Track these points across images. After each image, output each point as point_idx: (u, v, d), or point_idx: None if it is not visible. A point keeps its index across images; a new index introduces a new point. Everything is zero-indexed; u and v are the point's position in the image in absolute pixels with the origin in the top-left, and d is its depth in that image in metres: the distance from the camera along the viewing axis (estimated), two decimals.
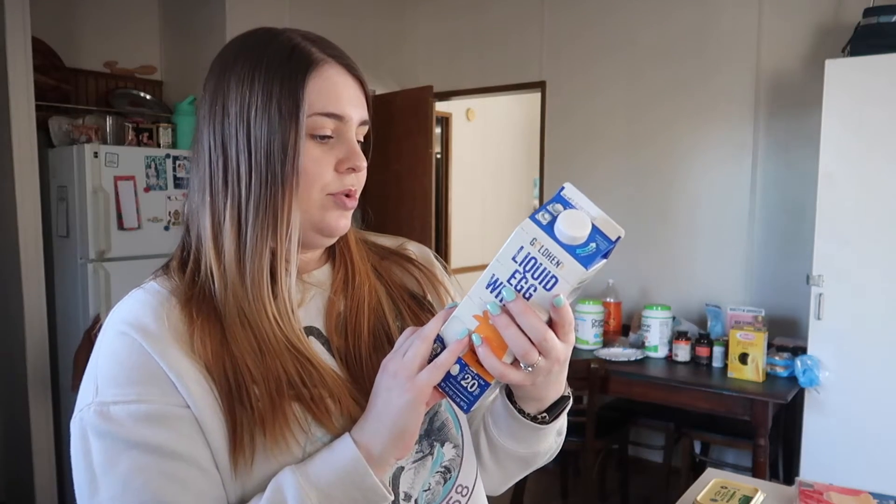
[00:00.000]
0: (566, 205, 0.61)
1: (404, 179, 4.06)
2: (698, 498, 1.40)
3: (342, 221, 0.74)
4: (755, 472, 2.67)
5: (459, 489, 0.77)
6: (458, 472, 0.78)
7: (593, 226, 0.60)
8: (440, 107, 4.69)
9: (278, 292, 0.70)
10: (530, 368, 0.62)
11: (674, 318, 3.16)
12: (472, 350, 0.63)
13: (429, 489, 0.75)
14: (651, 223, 3.62)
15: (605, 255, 0.61)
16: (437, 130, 4.96)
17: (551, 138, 3.96)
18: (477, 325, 0.63)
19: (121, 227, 2.95)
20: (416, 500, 0.73)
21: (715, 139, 3.46)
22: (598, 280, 3.31)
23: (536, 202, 5.41)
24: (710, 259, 3.49)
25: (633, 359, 2.99)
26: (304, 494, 0.62)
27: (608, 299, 3.39)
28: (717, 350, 2.91)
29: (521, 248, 0.60)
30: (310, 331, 0.74)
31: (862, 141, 2.57)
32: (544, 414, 0.75)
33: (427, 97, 4.00)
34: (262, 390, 0.66)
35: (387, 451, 0.65)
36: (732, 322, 2.96)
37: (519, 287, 0.61)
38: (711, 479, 1.48)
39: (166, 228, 3.09)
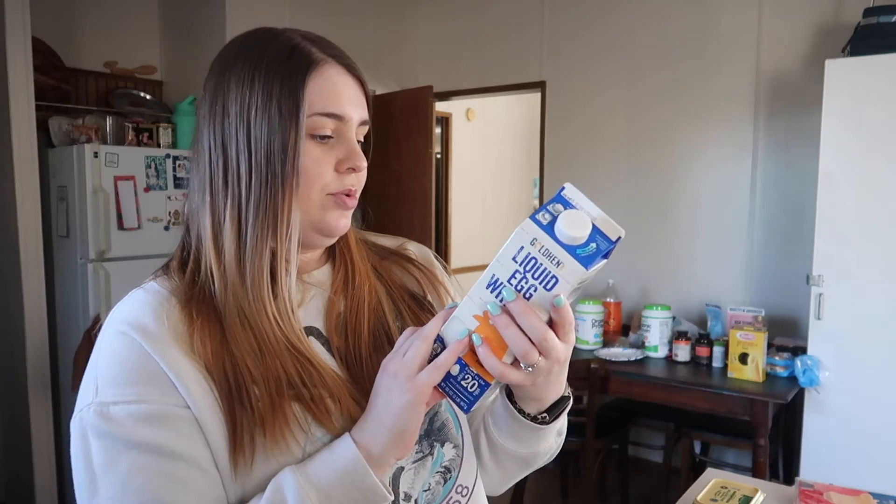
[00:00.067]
0: (566, 205, 0.61)
1: (404, 179, 4.06)
2: (698, 498, 1.40)
3: (342, 221, 0.74)
4: (755, 472, 2.67)
5: (459, 489, 0.77)
6: (458, 472, 0.78)
7: (594, 226, 0.60)
8: (440, 107, 4.69)
9: (278, 292, 0.70)
10: (530, 368, 0.62)
11: (674, 318, 3.16)
12: (472, 350, 0.63)
13: (429, 489, 0.75)
14: (651, 223, 3.62)
15: (606, 256, 0.61)
16: (437, 130, 4.96)
17: (551, 138, 3.96)
18: (477, 325, 0.63)
19: (121, 227, 2.95)
20: (416, 500, 0.73)
21: (715, 139, 3.46)
22: (598, 280, 3.31)
23: (536, 202, 5.41)
24: (710, 259, 3.49)
25: (633, 359, 2.99)
26: (304, 494, 0.62)
27: (608, 299, 3.39)
28: (717, 350, 2.91)
29: (522, 248, 0.60)
30: (310, 331, 0.74)
31: (862, 141, 2.57)
32: (544, 414, 0.75)
33: (427, 97, 4.00)
34: (261, 390, 0.66)
35: (387, 452, 0.65)
36: (732, 322, 2.96)
37: (519, 287, 0.61)
38: (711, 479, 1.48)
39: (166, 228, 3.09)
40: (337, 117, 0.70)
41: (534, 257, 0.60)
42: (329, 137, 0.71)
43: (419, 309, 0.82)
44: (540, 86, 3.97)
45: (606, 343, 3.24)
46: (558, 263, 0.59)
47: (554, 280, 0.60)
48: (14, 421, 3.02)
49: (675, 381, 2.81)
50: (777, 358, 2.79)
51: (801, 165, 3.14)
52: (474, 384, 0.64)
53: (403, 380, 0.63)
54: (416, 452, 0.74)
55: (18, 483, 3.05)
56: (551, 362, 0.63)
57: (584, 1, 3.80)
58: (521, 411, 0.74)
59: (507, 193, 5.93)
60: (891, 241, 2.54)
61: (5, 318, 2.99)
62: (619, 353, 3.06)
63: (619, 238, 0.61)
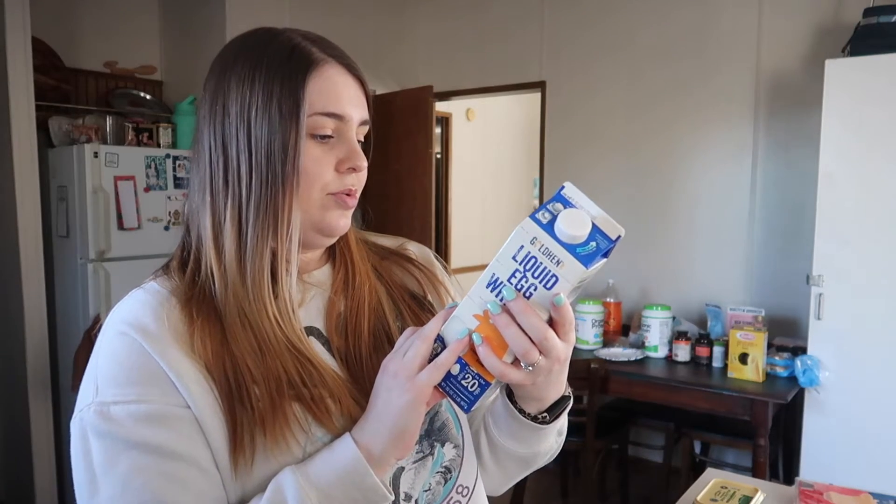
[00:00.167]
0: (566, 204, 0.61)
1: (404, 179, 4.06)
2: (698, 498, 1.40)
3: (342, 221, 0.74)
4: (755, 472, 2.67)
5: (460, 489, 0.77)
6: (459, 472, 0.78)
7: (593, 225, 0.60)
8: (440, 107, 4.69)
9: (279, 292, 0.70)
10: (531, 368, 0.62)
11: (674, 318, 3.16)
12: (472, 350, 0.63)
13: (429, 489, 0.75)
14: (651, 223, 3.62)
15: (606, 254, 0.61)
16: (437, 130, 4.96)
17: (551, 138, 3.96)
18: (477, 324, 0.63)
19: (121, 227, 2.95)
20: (416, 501, 0.73)
21: (715, 139, 3.46)
22: (598, 280, 3.31)
23: (536, 202, 5.42)
24: (710, 259, 3.49)
25: (633, 359, 2.99)
26: (305, 494, 0.62)
27: (608, 299, 3.39)
28: (717, 350, 2.91)
29: (522, 247, 0.60)
30: (310, 331, 0.74)
31: (862, 141, 2.57)
32: (545, 414, 0.75)
33: (427, 97, 4.00)
34: (262, 390, 0.66)
35: (387, 452, 0.65)
36: (732, 322, 2.96)
37: (519, 286, 0.61)
38: (711, 479, 1.48)
39: (166, 228, 3.09)
40: (337, 117, 0.70)
41: (534, 256, 0.60)
42: (329, 137, 0.71)
43: (419, 309, 0.82)
44: (540, 86, 3.97)
45: (606, 343, 3.24)
46: (558, 262, 0.59)
47: (554, 279, 0.60)
48: (14, 421, 3.02)
49: (675, 381, 2.81)
50: (777, 358, 2.79)
51: (801, 165, 3.14)
52: (475, 384, 0.64)
53: (404, 380, 0.63)
54: (417, 452, 0.74)
55: (18, 483, 3.05)
56: (551, 361, 0.62)
57: (585, 1, 3.80)
58: (521, 411, 0.74)
59: (507, 193, 5.93)
60: (891, 241, 2.54)
61: (5, 318, 2.99)
62: (619, 353, 3.06)
63: (619, 237, 0.61)
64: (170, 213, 3.10)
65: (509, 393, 0.75)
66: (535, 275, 0.60)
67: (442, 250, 5.19)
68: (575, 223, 0.59)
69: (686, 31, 3.49)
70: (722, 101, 3.42)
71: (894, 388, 2.55)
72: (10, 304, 2.94)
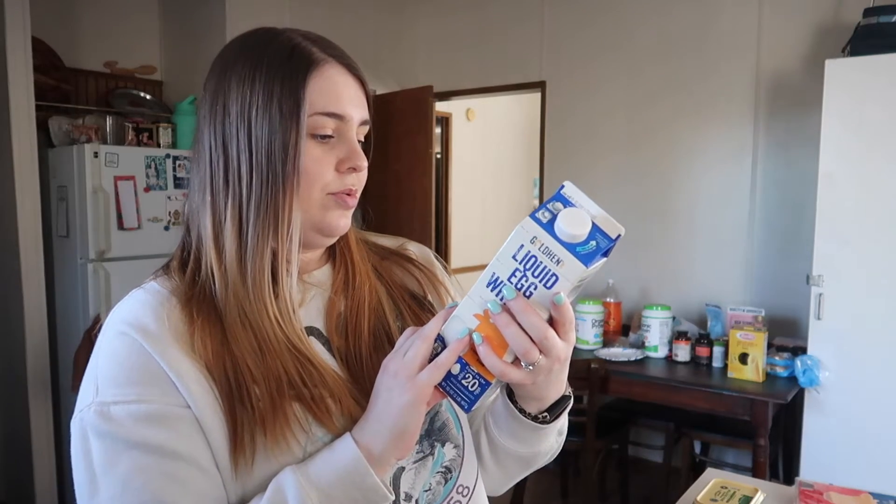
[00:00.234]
0: (566, 203, 0.61)
1: (404, 179, 4.06)
2: (698, 498, 1.40)
3: (342, 221, 0.74)
4: (755, 472, 2.67)
5: (460, 489, 0.77)
6: (459, 472, 0.78)
7: (593, 224, 0.60)
8: (440, 107, 4.69)
9: (279, 292, 0.70)
10: (531, 367, 0.62)
11: (674, 318, 3.16)
12: (472, 349, 0.63)
13: (429, 489, 0.75)
14: (651, 223, 3.62)
15: (606, 254, 0.61)
16: (437, 130, 4.96)
17: (551, 138, 3.96)
18: (477, 324, 0.63)
19: (121, 227, 2.95)
20: (416, 501, 0.73)
21: (715, 139, 3.46)
22: (598, 280, 3.31)
23: (536, 202, 5.41)
24: (710, 259, 3.49)
25: (633, 359, 2.99)
26: (305, 494, 0.62)
27: (608, 299, 3.39)
28: (717, 350, 2.91)
29: (522, 246, 0.60)
30: (310, 331, 0.74)
31: (862, 141, 2.57)
32: (545, 413, 0.74)
33: (427, 97, 4.00)
34: (262, 390, 0.66)
35: (387, 451, 0.65)
36: (732, 322, 2.96)
37: (519, 285, 0.61)
38: (711, 479, 1.48)
39: (166, 228, 3.09)
40: (338, 117, 0.70)
41: (534, 255, 0.60)
42: (330, 137, 0.71)
43: (419, 309, 0.82)
44: (540, 86, 3.97)
45: (606, 343, 3.24)
46: (558, 261, 0.59)
47: (554, 278, 0.60)
48: (14, 421, 3.02)
49: (675, 381, 2.81)
50: (777, 358, 2.79)
51: (801, 165, 3.14)
52: (475, 383, 0.64)
53: (404, 379, 0.63)
54: (417, 452, 0.74)
55: (18, 483, 3.05)
56: (552, 361, 0.62)
57: (584, 0, 3.80)
58: (521, 411, 0.74)
59: (507, 193, 5.93)
60: (891, 241, 2.54)
61: (5, 318, 2.99)
62: (619, 353, 3.06)
63: (619, 236, 0.61)
64: (170, 213, 3.10)
65: (510, 392, 0.75)
66: (536, 274, 0.60)
67: (442, 250, 5.19)
68: (575, 222, 0.59)
69: (686, 31, 3.49)
70: (722, 100, 3.42)
71: (894, 388, 2.55)
72: (10, 304, 2.94)
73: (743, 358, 2.74)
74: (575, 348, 0.66)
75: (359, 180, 0.74)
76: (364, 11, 4.15)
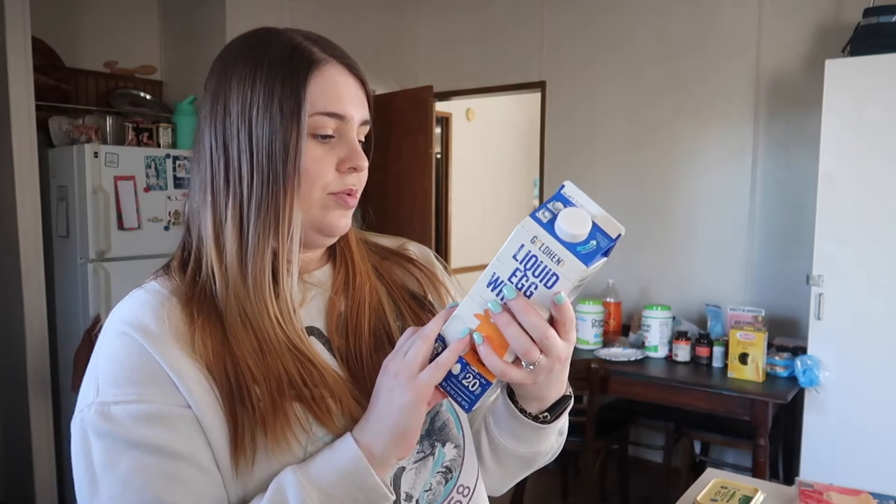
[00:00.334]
0: (566, 203, 0.61)
1: (404, 179, 4.06)
2: (698, 498, 1.40)
3: (343, 221, 0.74)
4: (755, 472, 2.67)
5: (461, 489, 0.77)
6: (460, 472, 0.78)
7: (594, 223, 0.60)
8: (440, 107, 4.69)
9: (280, 292, 0.70)
10: (532, 367, 0.62)
11: (674, 318, 3.16)
12: (473, 349, 0.63)
13: (430, 489, 0.75)
14: (651, 223, 3.62)
15: (606, 253, 0.61)
16: (437, 130, 4.96)
17: (551, 138, 3.96)
18: (478, 323, 0.63)
19: (121, 227, 2.95)
20: (417, 501, 0.73)
21: (715, 139, 3.46)
22: (598, 280, 3.31)
23: (536, 202, 5.41)
24: (710, 259, 3.49)
25: (633, 359, 2.99)
26: (306, 494, 0.62)
27: (608, 299, 3.39)
28: (717, 350, 2.91)
29: (522, 246, 0.60)
30: (311, 331, 0.74)
31: (862, 141, 2.57)
32: (546, 413, 0.75)
33: (427, 97, 4.00)
34: (263, 390, 0.66)
35: (388, 451, 0.65)
36: (732, 322, 2.96)
37: (520, 285, 0.61)
38: (711, 479, 1.48)
39: (166, 228, 3.09)
40: (338, 117, 0.70)
41: (534, 255, 0.60)
42: (330, 137, 0.71)
43: (420, 309, 0.82)
44: (540, 86, 3.97)
45: (606, 343, 3.24)
46: (559, 261, 0.59)
47: (554, 278, 0.60)
48: (14, 421, 3.02)
49: (675, 381, 2.81)
50: (777, 358, 2.79)
51: (801, 165, 3.14)
52: (476, 383, 0.64)
53: (405, 379, 0.63)
54: (418, 452, 0.74)
55: (18, 483, 3.05)
56: (552, 360, 0.63)
57: (584, 0, 3.80)
58: (522, 411, 0.74)
59: (507, 193, 5.93)
60: (891, 241, 2.54)
61: (5, 318, 2.99)
62: (619, 353, 3.06)
63: (620, 235, 0.61)
64: (170, 213, 3.10)
65: (510, 392, 0.75)
66: (536, 273, 0.60)
67: (442, 250, 5.19)
68: (575, 222, 0.59)
69: (686, 31, 3.49)
70: (722, 100, 3.42)
71: (894, 388, 2.55)
72: (10, 304, 2.94)
73: (743, 358, 2.74)
74: (575, 348, 0.66)
75: (359, 180, 0.74)
76: (364, 11, 4.15)
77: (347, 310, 0.77)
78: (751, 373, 2.72)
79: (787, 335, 3.11)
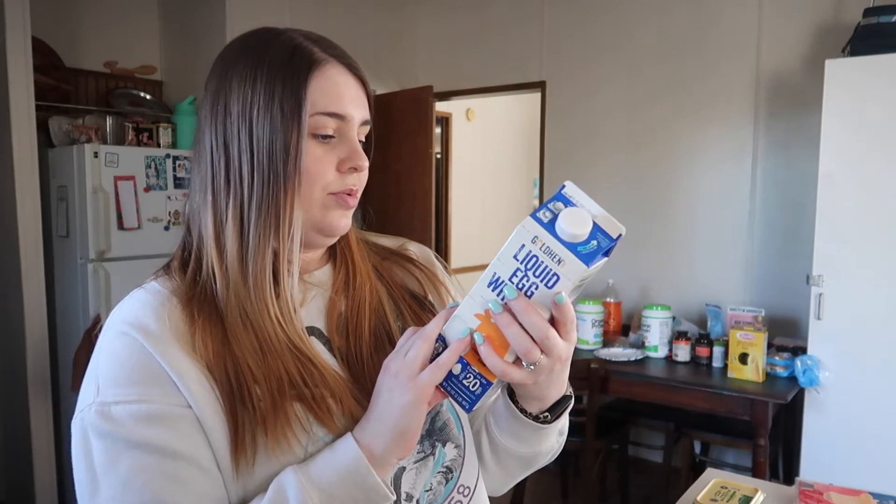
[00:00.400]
0: (567, 203, 0.61)
1: (404, 179, 4.06)
2: (698, 498, 1.40)
3: (343, 221, 0.74)
4: (755, 472, 2.67)
5: (461, 489, 0.77)
6: (460, 472, 0.78)
7: (594, 223, 0.60)
8: (440, 107, 4.69)
9: (280, 292, 0.70)
10: (532, 367, 0.62)
11: (674, 318, 3.16)
12: (473, 349, 0.63)
13: (430, 489, 0.74)
14: (651, 223, 3.63)
15: (607, 253, 0.61)
16: (437, 130, 4.96)
17: (551, 138, 3.96)
18: (479, 323, 0.63)
19: (121, 227, 2.95)
20: (417, 501, 0.73)
21: (715, 139, 3.46)
22: (598, 280, 3.31)
23: (536, 202, 5.41)
24: (710, 259, 3.49)
25: (633, 359, 2.99)
26: (306, 494, 0.62)
27: (608, 299, 3.39)
28: (717, 350, 2.91)
29: (523, 246, 0.60)
30: (311, 331, 0.74)
31: (862, 141, 2.57)
32: (546, 413, 0.75)
33: (427, 97, 4.00)
34: (263, 390, 0.66)
35: (389, 451, 0.65)
36: (732, 322, 2.96)
37: (521, 285, 0.61)
38: (711, 479, 1.48)
39: (166, 228, 3.09)
40: (339, 117, 0.70)
41: (535, 255, 0.60)
42: (331, 137, 0.71)
43: (420, 309, 0.82)
44: (540, 86, 3.97)
45: (606, 343, 3.24)
46: (559, 261, 0.59)
47: (555, 278, 0.60)
48: (14, 421, 3.02)
49: (675, 381, 2.81)
50: (777, 358, 2.79)
51: (801, 165, 3.14)
52: (476, 383, 0.64)
53: (405, 379, 0.63)
54: (418, 452, 0.74)
55: (18, 483, 3.05)
56: (553, 360, 0.63)
57: (584, 0, 3.80)
58: (522, 410, 0.74)
59: (507, 193, 5.93)
60: (891, 241, 2.54)
61: (5, 318, 2.99)
62: (619, 353, 3.06)
63: (620, 235, 0.61)
64: (170, 213, 3.10)
65: (510, 392, 0.75)
66: (537, 273, 0.60)
67: (442, 250, 5.19)
68: (576, 222, 0.59)
69: (686, 31, 3.49)
70: (722, 100, 3.42)
71: (894, 388, 2.55)
72: (10, 304, 2.94)
73: (743, 358, 2.74)
74: (575, 348, 0.66)
75: (360, 180, 0.74)
76: (364, 11, 4.15)
77: (348, 310, 0.77)
78: (751, 373, 2.73)
79: (787, 335, 3.11)
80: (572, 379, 0.74)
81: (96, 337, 0.70)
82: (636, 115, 3.67)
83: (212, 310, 0.69)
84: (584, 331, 3.17)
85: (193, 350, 0.66)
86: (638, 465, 3.67)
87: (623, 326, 3.46)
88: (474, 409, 0.65)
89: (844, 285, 2.62)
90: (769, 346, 2.86)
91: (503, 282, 0.61)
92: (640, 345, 3.12)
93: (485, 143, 5.70)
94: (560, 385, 0.72)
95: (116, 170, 2.94)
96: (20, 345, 2.92)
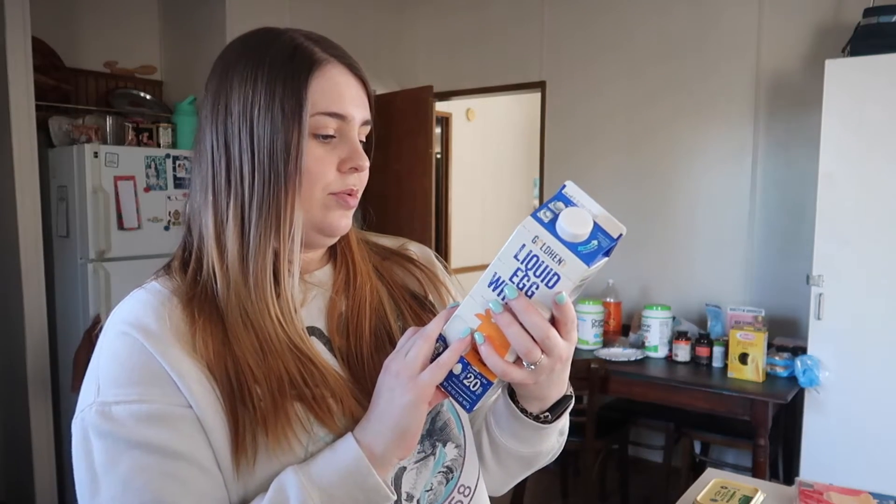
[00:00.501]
0: (568, 202, 0.61)
1: (404, 179, 4.06)
2: (698, 498, 1.40)
3: (343, 221, 0.74)
4: (755, 472, 2.67)
5: (461, 489, 0.77)
6: (461, 472, 0.78)
7: (595, 223, 0.60)
8: (440, 107, 4.69)
9: (281, 292, 0.70)
10: (533, 367, 0.62)
11: (674, 318, 3.16)
12: (474, 349, 0.63)
13: (431, 489, 0.74)
14: (651, 223, 3.63)
15: (607, 253, 0.61)
16: (437, 130, 4.96)
17: (551, 138, 3.96)
18: (479, 323, 0.63)
19: (121, 227, 2.95)
20: (418, 501, 0.73)
21: (715, 139, 3.46)
22: (598, 280, 3.31)
23: (536, 202, 5.41)
24: (710, 259, 3.49)
25: (633, 359, 2.99)
26: (307, 494, 0.62)
27: (608, 299, 3.39)
28: (717, 350, 2.91)
29: (523, 245, 0.60)
30: (311, 331, 0.74)
31: (862, 141, 2.57)
32: (547, 413, 0.75)
33: (427, 97, 4.00)
34: (263, 390, 0.66)
35: (389, 451, 0.65)
36: (732, 322, 2.96)
37: (521, 285, 0.61)
38: (711, 479, 1.48)
39: (166, 228, 3.09)
40: (339, 117, 0.70)
41: (535, 255, 0.60)
42: (331, 137, 0.71)
43: (420, 309, 0.82)
44: (540, 86, 3.97)
45: (606, 343, 3.24)
46: (560, 261, 0.59)
47: (556, 277, 0.60)
48: (14, 421, 3.02)
49: (675, 381, 2.81)
50: (777, 358, 2.79)
51: (801, 165, 3.15)
52: (477, 383, 0.64)
53: (406, 379, 0.63)
54: (418, 452, 0.74)
55: (18, 483, 3.05)
56: (553, 360, 0.63)
57: (584, 0, 3.80)
58: (523, 410, 0.74)
59: (507, 193, 5.93)
60: (891, 241, 2.54)
61: (5, 318, 2.99)
62: (619, 353, 3.06)
63: (621, 235, 0.61)
64: (170, 213, 3.10)
65: (511, 392, 0.75)
66: (537, 273, 0.60)
67: (442, 250, 5.19)
68: (576, 222, 0.59)
69: (686, 31, 3.49)
70: (722, 100, 3.42)
71: (894, 388, 2.55)
72: (10, 304, 2.94)
73: (743, 358, 2.74)
74: (575, 348, 0.66)
75: (360, 180, 0.74)
76: (364, 11, 4.15)
77: (348, 310, 0.77)
78: (751, 373, 2.73)
79: (787, 335, 3.11)
80: (572, 379, 0.74)
81: (96, 337, 0.70)
82: (636, 115, 3.67)
83: (212, 310, 0.69)
84: (585, 331, 3.17)
85: (194, 350, 0.66)
86: (638, 465, 3.67)
87: (623, 326, 3.46)
88: (475, 408, 0.65)
89: (844, 285, 2.62)
90: (769, 346, 2.86)
91: (504, 281, 0.61)
92: (640, 345, 3.12)
93: (485, 143, 5.70)
94: (560, 385, 0.72)
95: (116, 170, 2.94)
96: (20, 345, 2.92)
